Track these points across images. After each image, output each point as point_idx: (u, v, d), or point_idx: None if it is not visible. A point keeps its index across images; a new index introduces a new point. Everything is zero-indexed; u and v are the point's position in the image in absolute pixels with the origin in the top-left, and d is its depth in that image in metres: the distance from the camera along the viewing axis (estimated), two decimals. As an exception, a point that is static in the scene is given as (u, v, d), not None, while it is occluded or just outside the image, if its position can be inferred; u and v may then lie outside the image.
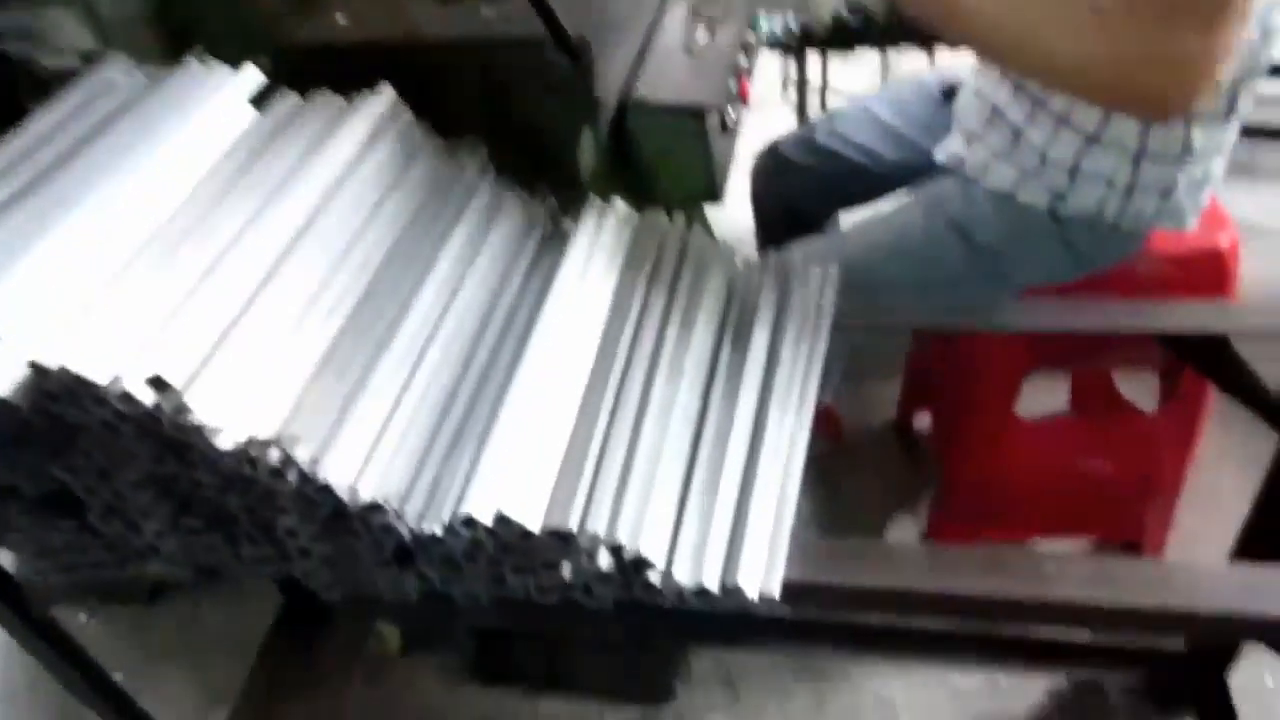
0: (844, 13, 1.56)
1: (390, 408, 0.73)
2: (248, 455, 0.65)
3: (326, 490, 0.66)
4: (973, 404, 1.54)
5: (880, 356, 1.85)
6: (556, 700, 1.55)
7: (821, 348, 0.85)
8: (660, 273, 0.89)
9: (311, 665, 1.19)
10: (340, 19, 1.14)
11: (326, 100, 0.91)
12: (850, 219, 1.55)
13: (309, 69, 1.13)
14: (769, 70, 2.31)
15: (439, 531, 0.69)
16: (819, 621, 1.34)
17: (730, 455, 0.76)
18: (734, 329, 0.87)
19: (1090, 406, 1.72)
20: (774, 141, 1.61)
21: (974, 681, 1.52)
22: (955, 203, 1.21)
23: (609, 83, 1.17)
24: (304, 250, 0.78)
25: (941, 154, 1.26)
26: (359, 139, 0.87)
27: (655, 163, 1.22)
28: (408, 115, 0.93)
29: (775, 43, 1.62)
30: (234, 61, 0.93)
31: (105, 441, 0.66)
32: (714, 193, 1.24)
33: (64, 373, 0.61)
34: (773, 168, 1.60)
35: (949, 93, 1.34)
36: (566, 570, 0.71)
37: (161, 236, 0.74)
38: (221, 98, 0.89)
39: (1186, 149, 1.08)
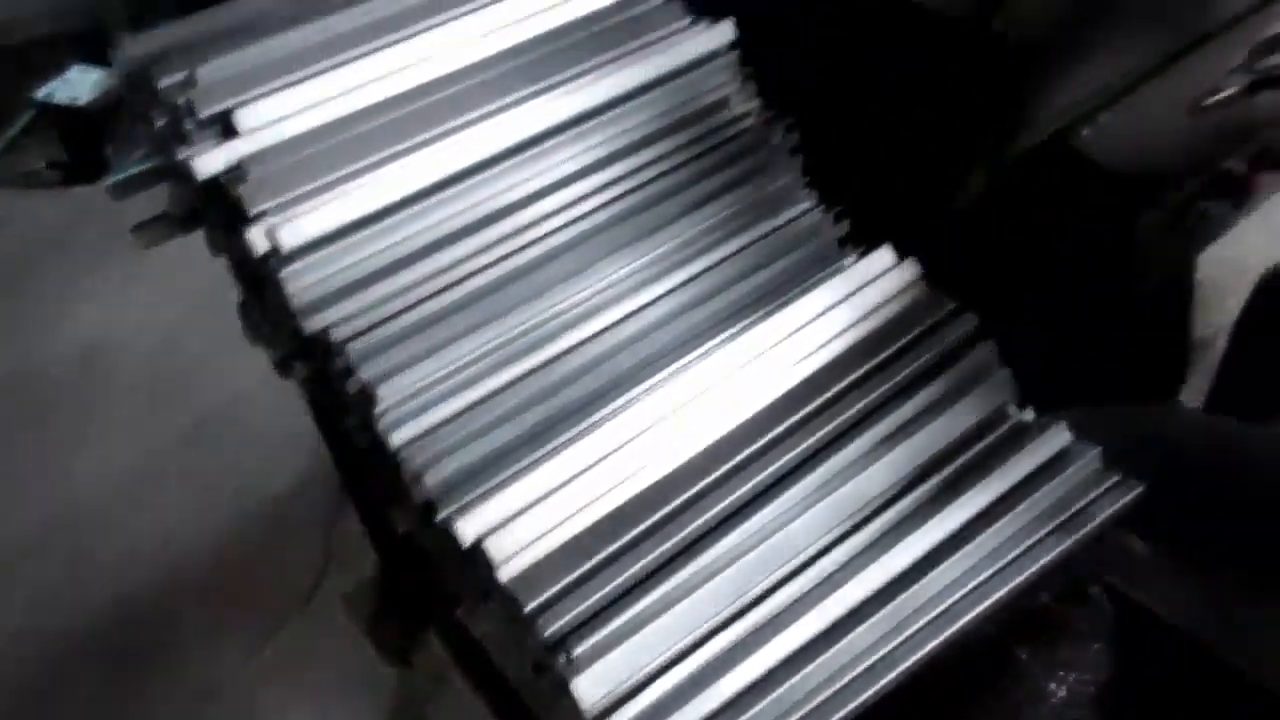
0: None
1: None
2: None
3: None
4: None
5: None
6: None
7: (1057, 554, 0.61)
8: (894, 370, 0.69)
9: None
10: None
11: (666, 12, 0.80)
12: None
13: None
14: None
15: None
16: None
17: (785, 634, 0.59)
18: (943, 481, 0.66)
19: None
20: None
21: None
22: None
23: (1047, 104, 0.91)
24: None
25: None
26: (658, 72, 0.76)
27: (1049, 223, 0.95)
28: (731, 63, 0.79)
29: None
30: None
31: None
32: (1122, 294, 0.94)
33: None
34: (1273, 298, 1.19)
35: None
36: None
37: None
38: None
39: None
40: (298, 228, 0.63)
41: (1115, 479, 0.64)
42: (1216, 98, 0.96)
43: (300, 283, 0.64)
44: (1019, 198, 0.94)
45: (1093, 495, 0.63)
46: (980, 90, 0.85)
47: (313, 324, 0.64)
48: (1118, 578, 0.66)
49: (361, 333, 0.65)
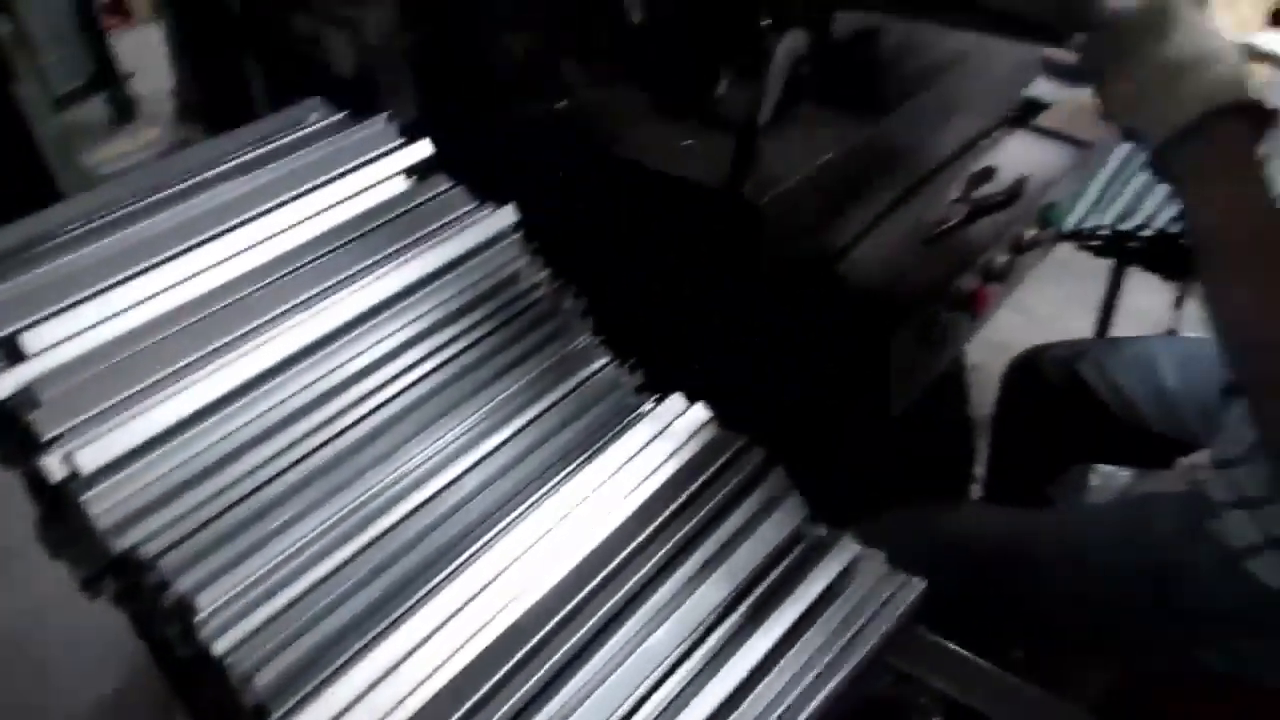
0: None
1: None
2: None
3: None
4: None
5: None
6: None
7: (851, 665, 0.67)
8: (703, 502, 0.75)
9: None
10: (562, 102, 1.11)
11: (455, 199, 0.87)
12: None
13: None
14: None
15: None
16: None
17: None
18: (756, 600, 0.71)
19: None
20: (1037, 349, 1.36)
21: None
22: (1168, 540, 0.93)
23: (802, 246, 1.03)
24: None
25: (1184, 466, 0.97)
26: (457, 253, 0.82)
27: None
28: (518, 243, 0.86)
29: (1079, 237, 1.35)
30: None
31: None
32: (886, 401, 1.06)
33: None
34: (1026, 381, 1.35)
35: (1233, 390, 1.03)
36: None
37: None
38: (375, 168, 0.88)
39: None
40: (97, 450, 0.63)
41: (901, 580, 0.72)
42: (944, 226, 1.12)
43: (104, 504, 0.63)
44: (787, 329, 1.05)
45: (882, 597, 0.71)
46: (735, 243, 0.96)
47: (121, 543, 0.63)
48: (923, 669, 0.73)
49: (174, 545, 0.64)
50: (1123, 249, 1.34)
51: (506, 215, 0.86)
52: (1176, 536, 0.93)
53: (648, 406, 0.82)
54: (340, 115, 0.96)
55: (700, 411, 0.80)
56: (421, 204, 0.87)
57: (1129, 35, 0.74)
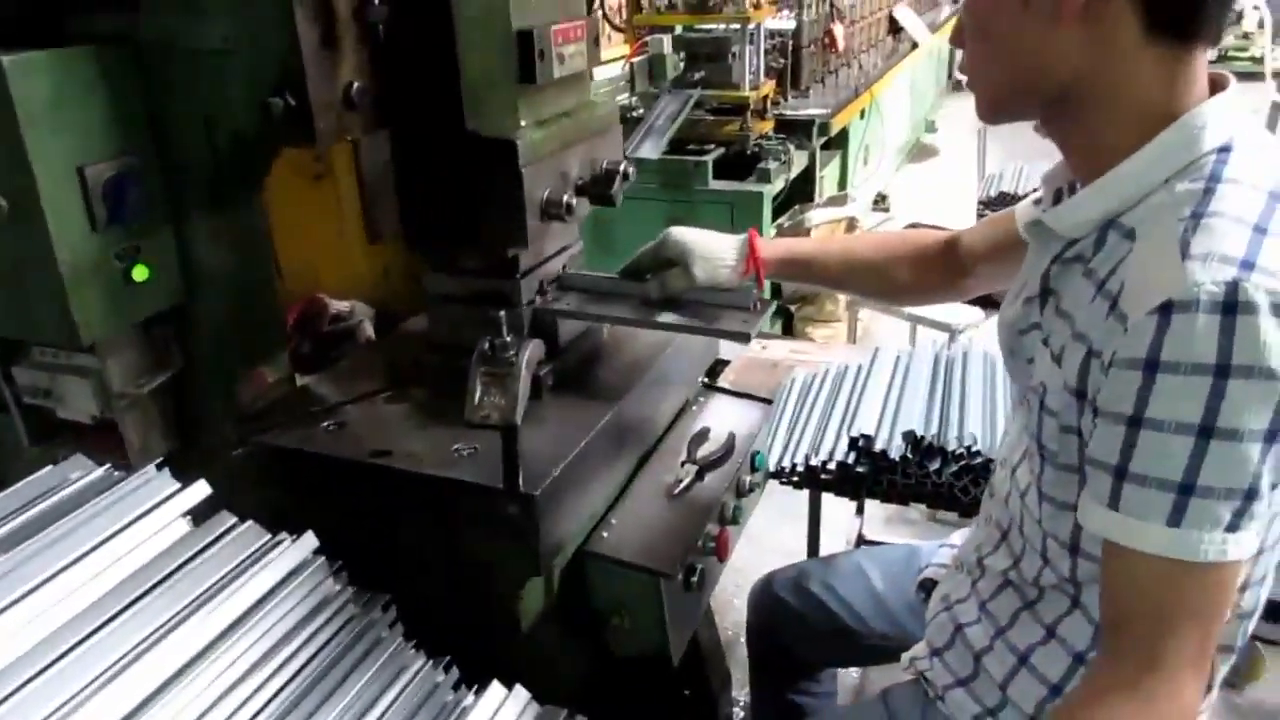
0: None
1: None
2: None
3: None
4: None
5: None
6: None
7: None
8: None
9: None
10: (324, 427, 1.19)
11: (248, 536, 0.91)
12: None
13: (273, 473, 1.17)
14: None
15: None
16: None
17: None
18: None
19: None
20: (770, 575, 1.55)
21: None
22: (912, 722, 1.11)
23: (572, 526, 1.16)
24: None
25: (906, 658, 1.17)
26: (262, 590, 0.86)
27: (607, 615, 1.18)
28: (322, 567, 0.92)
29: (781, 475, 1.61)
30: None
31: None
32: (666, 653, 1.18)
33: None
34: (767, 605, 1.53)
35: (925, 586, 1.27)
36: None
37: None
38: (154, 518, 0.90)
39: None
40: None
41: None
42: (682, 485, 1.30)
43: None
44: (567, 607, 1.16)
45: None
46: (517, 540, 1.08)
47: None
48: None
49: None
50: (815, 480, 1.60)
51: (306, 543, 0.91)
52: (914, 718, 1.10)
53: (469, 700, 0.88)
54: (103, 470, 0.97)
55: (521, 692, 0.87)
56: (213, 547, 0.90)
57: None
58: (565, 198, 1.16)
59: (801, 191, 4.05)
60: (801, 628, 1.45)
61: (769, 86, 3.73)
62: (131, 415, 1.20)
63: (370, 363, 1.37)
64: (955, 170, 6.51)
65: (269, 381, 1.27)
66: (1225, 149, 0.80)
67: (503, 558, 1.08)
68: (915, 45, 6.06)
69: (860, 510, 2.31)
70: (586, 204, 1.25)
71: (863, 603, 1.39)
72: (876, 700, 1.19)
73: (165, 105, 1.08)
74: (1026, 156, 5.04)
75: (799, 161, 3.82)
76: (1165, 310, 0.74)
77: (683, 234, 1.22)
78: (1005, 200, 3.55)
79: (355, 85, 1.03)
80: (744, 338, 1.18)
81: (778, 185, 3.59)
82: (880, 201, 4.86)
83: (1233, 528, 0.75)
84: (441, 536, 1.12)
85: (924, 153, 7.21)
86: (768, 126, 3.72)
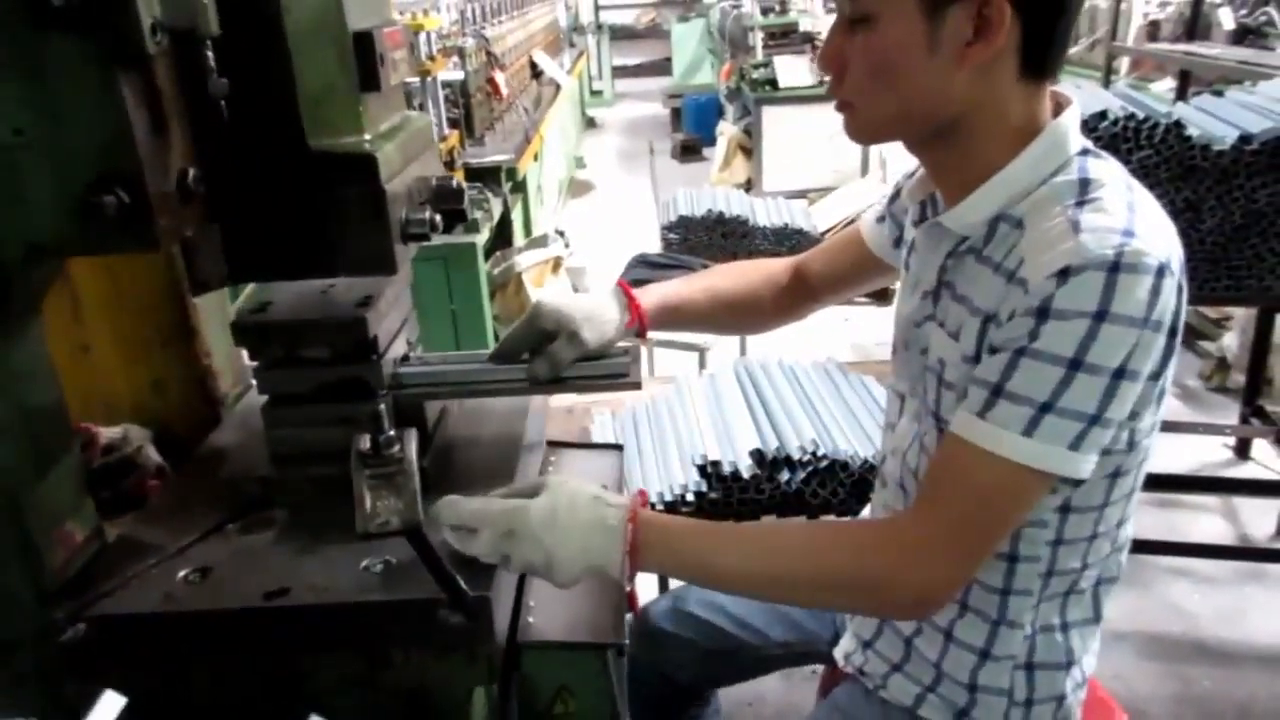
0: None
1: None
2: None
3: None
4: None
5: None
6: None
7: None
8: None
9: None
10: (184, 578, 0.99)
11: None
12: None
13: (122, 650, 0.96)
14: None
15: None
16: None
17: None
18: None
19: None
20: (644, 608, 1.51)
21: None
22: (862, 717, 1.16)
23: (503, 622, 1.06)
24: None
25: (840, 656, 1.22)
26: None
27: (549, 706, 1.09)
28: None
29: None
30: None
31: None
32: (618, 722, 1.12)
33: None
34: (645, 639, 1.49)
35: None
36: None
37: None
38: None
39: (1070, 657, 1.10)
40: None
41: None
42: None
43: None
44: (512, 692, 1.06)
45: None
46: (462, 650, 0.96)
47: None
48: None
49: None
50: (678, 514, 1.62)
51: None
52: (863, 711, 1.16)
53: None
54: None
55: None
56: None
57: None
58: (425, 214, 1.03)
59: (500, 236, 4.06)
60: (684, 654, 1.44)
61: (454, 137, 3.70)
62: None
63: (192, 493, 1.16)
64: (616, 200, 6.91)
65: (78, 540, 1.02)
66: (1085, 151, 0.96)
67: (445, 674, 0.97)
68: (559, 87, 6.34)
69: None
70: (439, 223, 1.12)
71: (755, 614, 1.41)
72: (827, 705, 1.22)
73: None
74: (686, 181, 5.50)
75: (495, 208, 3.83)
76: (1064, 274, 0.86)
77: (555, 302, 1.17)
78: (686, 223, 3.81)
79: (192, 173, 0.87)
80: (635, 385, 1.16)
81: (485, 234, 3.57)
82: (562, 236, 5.02)
83: (1074, 446, 0.89)
84: (361, 671, 0.98)
85: (581, 188, 7.55)
86: (459, 176, 3.69)
